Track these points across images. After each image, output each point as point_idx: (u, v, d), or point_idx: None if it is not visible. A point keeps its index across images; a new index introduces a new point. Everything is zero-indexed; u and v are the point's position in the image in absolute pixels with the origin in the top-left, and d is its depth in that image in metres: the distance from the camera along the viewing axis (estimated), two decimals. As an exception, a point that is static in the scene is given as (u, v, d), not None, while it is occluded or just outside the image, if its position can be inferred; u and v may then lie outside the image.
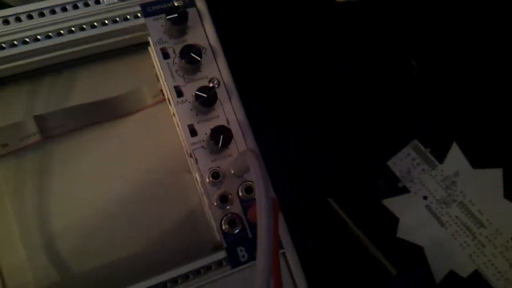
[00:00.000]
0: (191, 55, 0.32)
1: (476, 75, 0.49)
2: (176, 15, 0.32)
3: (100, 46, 0.35)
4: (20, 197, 0.35)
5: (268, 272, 0.22)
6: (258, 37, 0.51)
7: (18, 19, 0.33)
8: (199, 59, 0.32)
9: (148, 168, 0.38)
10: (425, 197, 0.42)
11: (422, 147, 0.44)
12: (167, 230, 0.37)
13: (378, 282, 0.40)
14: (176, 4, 0.34)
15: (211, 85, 0.34)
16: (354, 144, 0.47)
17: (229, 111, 0.34)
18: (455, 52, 0.51)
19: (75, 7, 0.34)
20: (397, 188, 0.43)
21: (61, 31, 0.33)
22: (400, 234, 0.41)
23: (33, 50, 0.33)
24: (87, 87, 0.38)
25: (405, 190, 0.43)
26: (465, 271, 0.39)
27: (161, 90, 0.38)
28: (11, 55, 0.33)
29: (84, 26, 0.34)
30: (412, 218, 0.42)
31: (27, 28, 0.33)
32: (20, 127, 0.35)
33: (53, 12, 0.33)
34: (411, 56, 0.52)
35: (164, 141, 0.38)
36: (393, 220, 0.42)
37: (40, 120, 0.35)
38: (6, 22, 0.33)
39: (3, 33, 0.32)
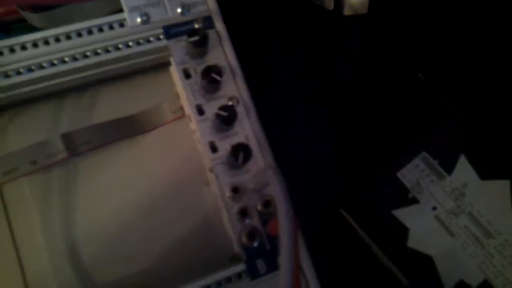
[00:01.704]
0: (212, 76, 0.33)
1: (484, 87, 0.50)
2: (198, 37, 0.34)
3: (124, 67, 0.37)
4: (47, 211, 0.37)
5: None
6: (267, 50, 0.52)
7: (46, 42, 0.35)
8: (219, 79, 0.34)
9: (168, 181, 0.39)
10: (434, 208, 0.44)
11: (431, 159, 0.45)
12: (185, 241, 0.38)
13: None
14: (196, 27, 0.36)
15: (230, 103, 0.35)
16: (364, 156, 0.49)
17: (248, 128, 0.35)
18: (462, 64, 0.52)
19: (100, 30, 0.35)
20: (407, 199, 0.45)
21: (87, 54, 0.35)
22: (411, 243, 0.43)
23: (60, 72, 0.35)
24: (110, 105, 0.40)
25: (414, 201, 0.44)
26: (474, 281, 0.40)
27: (181, 107, 0.40)
28: (40, 77, 0.34)
29: (109, 48, 0.35)
30: (422, 228, 0.43)
31: (54, 51, 0.34)
32: (47, 145, 0.36)
33: (79, 35, 0.35)
34: (418, 69, 0.53)
35: (184, 155, 0.40)
36: (403, 230, 0.44)
37: (66, 137, 0.37)
38: (35, 45, 0.34)
39: (33, 56, 0.34)
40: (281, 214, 0.25)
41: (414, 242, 0.43)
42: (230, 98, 0.36)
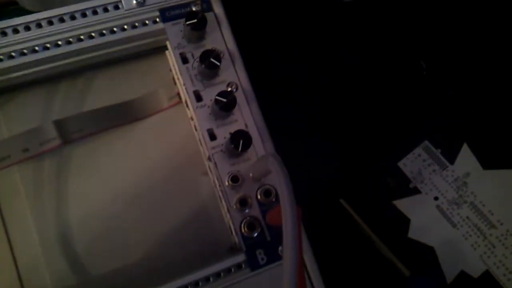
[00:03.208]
0: (211, 60, 0.32)
1: (486, 75, 0.49)
2: (195, 20, 0.32)
3: (119, 51, 0.36)
4: (39, 199, 0.36)
5: (295, 280, 0.23)
6: (269, 40, 0.51)
7: (39, 25, 0.33)
8: (218, 64, 0.32)
9: (165, 170, 0.38)
10: (436, 198, 0.43)
11: (433, 148, 0.45)
12: (182, 232, 0.37)
13: (391, 282, 0.41)
14: (194, 9, 0.35)
15: (229, 89, 0.34)
16: (365, 145, 0.48)
17: (248, 115, 0.34)
18: (464, 52, 0.51)
19: (94, 12, 0.34)
20: (408, 189, 0.44)
21: (81, 37, 0.34)
22: (412, 234, 0.42)
23: (53, 56, 0.34)
24: (104, 91, 0.39)
25: (416, 191, 0.44)
26: (476, 272, 0.40)
27: (178, 93, 0.39)
28: (33, 61, 0.33)
29: (104, 31, 0.34)
30: (423, 218, 0.42)
31: (48, 34, 0.33)
32: (40, 132, 0.35)
33: (73, 18, 0.34)
34: (419, 57, 0.52)
35: (180, 144, 0.39)
36: (405, 221, 0.43)
37: (59, 124, 0.36)
38: (27, 28, 0.33)
39: (25, 39, 0.33)
40: (284, 203, 0.24)
41: (415, 232, 0.42)
42: (229, 84, 0.34)
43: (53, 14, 0.33)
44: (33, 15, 0.33)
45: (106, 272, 0.36)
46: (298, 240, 0.24)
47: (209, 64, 0.32)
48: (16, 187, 0.35)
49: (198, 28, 0.33)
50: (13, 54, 0.33)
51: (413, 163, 0.45)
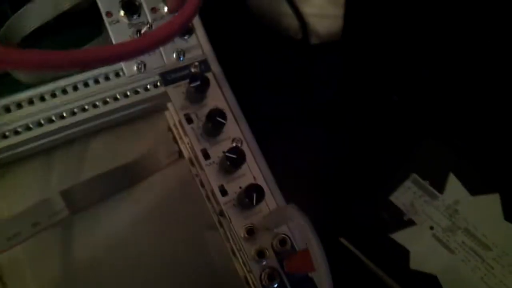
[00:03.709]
0: (217, 119, 0.33)
1: (461, 106, 0.53)
2: (199, 82, 0.34)
3: (120, 117, 0.37)
4: (43, 273, 0.35)
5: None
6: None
7: (42, 99, 0.34)
8: (224, 122, 0.34)
9: (169, 229, 0.39)
10: (431, 227, 0.45)
11: (421, 180, 0.47)
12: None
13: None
14: (193, 71, 0.36)
15: (234, 144, 0.35)
16: (355, 183, 0.50)
17: (255, 169, 0.35)
18: (439, 84, 0.55)
19: (96, 81, 0.35)
20: (403, 221, 0.46)
21: (85, 107, 0.34)
22: (413, 265, 0.44)
23: (59, 128, 0.34)
24: (100, 155, 0.39)
25: (411, 223, 0.46)
26: (480, 294, 0.42)
27: (179, 151, 0.40)
28: (39, 135, 0.33)
29: (108, 99, 0.35)
30: (422, 248, 0.44)
31: (52, 107, 0.34)
32: (48, 204, 0.35)
33: (75, 88, 0.34)
34: (392, 91, 0.56)
35: (182, 201, 0.40)
36: (404, 252, 0.45)
37: (66, 194, 0.36)
38: (31, 102, 0.33)
39: (30, 114, 0.33)
40: (313, 246, 0.25)
41: (416, 263, 0.44)
42: (234, 140, 0.36)
43: (55, 86, 0.34)
44: (35, 88, 0.34)
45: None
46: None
47: (216, 122, 0.34)
48: (19, 262, 0.35)
49: (202, 90, 0.34)
50: (18, 129, 0.33)
51: (404, 196, 0.47)
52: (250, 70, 0.54)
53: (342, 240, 0.46)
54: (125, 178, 0.39)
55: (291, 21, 0.54)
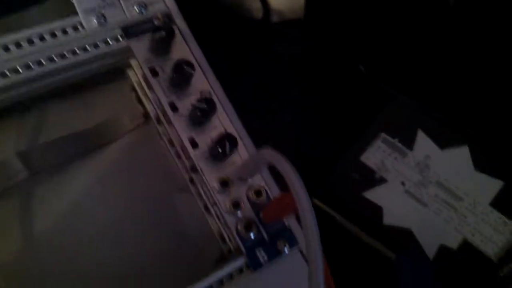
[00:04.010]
0: (185, 69, 0.32)
1: (420, 68, 0.54)
2: (164, 33, 0.32)
3: (81, 73, 0.35)
4: (7, 235, 0.33)
5: (322, 262, 0.23)
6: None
7: (2, 49, 0.31)
8: (193, 71, 0.32)
9: (138, 192, 0.37)
10: (403, 183, 0.45)
11: (390, 139, 0.47)
12: (165, 252, 0.36)
13: (378, 268, 0.42)
14: (156, 23, 0.35)
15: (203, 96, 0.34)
16: (325, 145, 0.50)
17: (225, 120, 0.34)
18: (397, 53, 0.55)
19: (53, 35, 0.33)
20: (375, 179, 0.46)
21: (42, 61, 0.32)
22: (387, 221, 0.44)
23: (12, 84, 0.32)
24: (62, 121, 0.37)
25: (382, 180, 0.46)
26: (454, 243, 0.42)
27: (144, 113, 0.38)
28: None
29: (65, 53, 0.33)
30: (395, 204, 0.44)
31: (7, 59, 0.31)
32: (5, 166, 0.33)
33: (31, 42, 0.32)
34: (358, 61, 0.56)
35: (150, 164, 0.38)
36: (377, 209, 0.45)
37: (24, 156, 0.34)
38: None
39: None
40: (296, 189, 0.24)
41: (389, 218, 0.44)
42: (202, 92, 0.34)
43: (9, 40, 0.32)
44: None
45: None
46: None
47: (184, 72, 0.32)
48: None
49: (167, 41, 0.33)
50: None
51: (375, 155, 0.47)
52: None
53: (315, 201, 0.46)
54: (87, 142, 0.37)
55: (252, 1, 0.54)
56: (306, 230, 0.23)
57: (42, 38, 0.33)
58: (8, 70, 0.31)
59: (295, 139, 0.52)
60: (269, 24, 0.60)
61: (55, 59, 0.33)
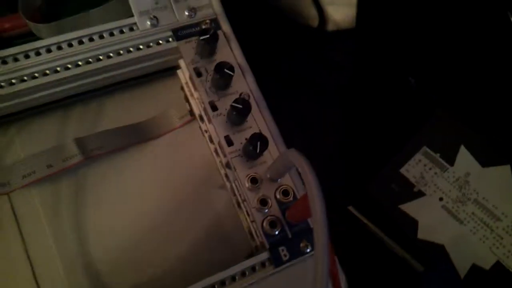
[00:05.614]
0: (225, 71, 0.34)
1: (471, 85, 0.52)
2: (208, 35, 0.35)
3: (134, 70, 0.38)
4: (57, 219, 0.36)
5: (327, 262, 0.24)
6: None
7: (59, 48, 0.35)
8: (232, 74, 0.35)
9: (180, 185, 0.40)
10: (441, 199, 0.45)
11: (432, 153, 0.47)
12: (201, 244, 0.38)
13: (405, 280, 0.42)
14: (204, 27, 0.37)
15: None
16: (367, 156, 0.50)
17: (261, 121, 0.36)
18: (449, 65, 0.55)
19: (111, 34, 0.36)
20: (413, 192, 0.46)
21: (100, 57, 0.36)
22: (421, 235, 0.43)
23: (73, 76, 0.35)
24: (116, 114, 0.41)
25: (421, 194, 0.46)
26: (487, 263, 0.41)
27: (189, 111, 0.41)
28: (55, 80, 0.35)
29: (121, 51, 0.36)
30: (431, 219, 0.44)
31: (68, 54, 0.35)
32: (62, 149, 0.36)
33: (91, 39, 0.36)
34: (407, 73, 0.56)
35: (194, 160, 0.41)
36: (413, 223, 0.44)
37: (80, 142, 0.37)
38: (48, 50, 0.35)
39: (41, 62, 0.34)
40: (311, 190, 0.25)
41: (424, 233, 0.44)
42: (241, 94, 0.36)
43: (72, 37, 0.35)
44: (53, 38, 0.35)
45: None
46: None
47: (224, 74, 0.34)
48: (34, 207, 0.36)
49: (211, 43, 0.35)
50: (36, 75, 0.34)
51: (415, 168, 0.47)
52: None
53: (351, 208, 0.46)
54: (138, 134, 0.40)
55: (309, 10, 0.56)
56: (317, 233, 0.24)
57: (101, 37, 0.36)
58: (70, 64, 0.35)
59: (339, 143, 0.52)
60: (324, 33, 0.61)
61: (112, 55, 0.36)
